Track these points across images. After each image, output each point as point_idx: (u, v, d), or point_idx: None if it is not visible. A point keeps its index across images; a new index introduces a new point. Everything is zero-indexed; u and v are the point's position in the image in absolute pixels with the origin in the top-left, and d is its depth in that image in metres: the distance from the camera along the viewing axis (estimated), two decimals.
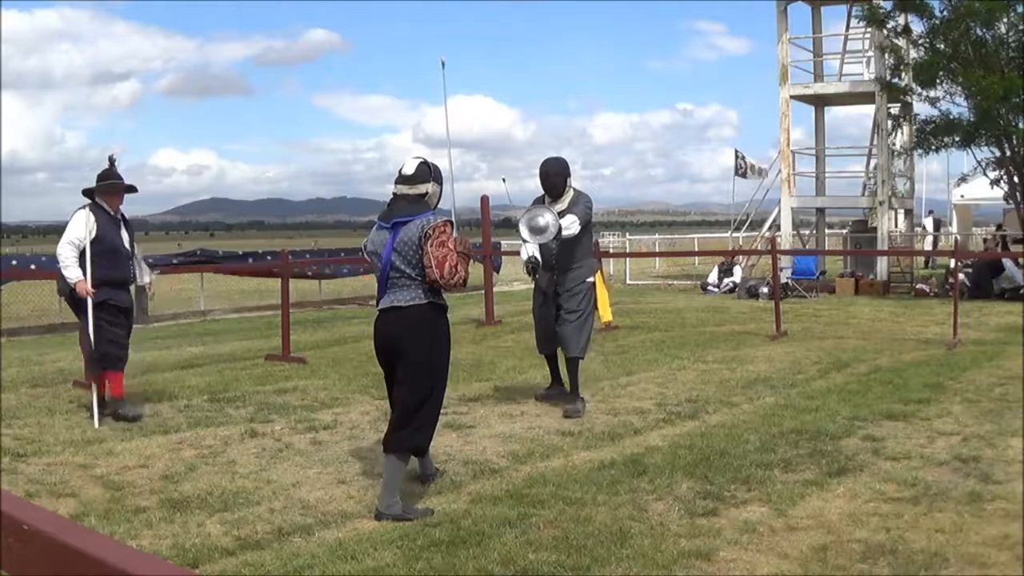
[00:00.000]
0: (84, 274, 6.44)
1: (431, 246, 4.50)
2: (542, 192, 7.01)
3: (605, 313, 7.43)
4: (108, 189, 6.69)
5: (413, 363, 4.58)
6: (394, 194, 4.76)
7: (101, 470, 5.36)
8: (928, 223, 28.42)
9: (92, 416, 6.49)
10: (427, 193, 4.73)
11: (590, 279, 7.00)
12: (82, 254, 6.46)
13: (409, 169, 4.75)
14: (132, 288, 7.00)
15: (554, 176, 6.88)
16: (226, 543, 4.11)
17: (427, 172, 4.75)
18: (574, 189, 6.96)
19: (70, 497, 4.84)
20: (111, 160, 6.77)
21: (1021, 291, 15.87)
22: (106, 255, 6.55)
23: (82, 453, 5.73)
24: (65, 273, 6.48)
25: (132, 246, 6.88)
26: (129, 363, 7.16)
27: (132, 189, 6.88)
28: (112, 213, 6.71)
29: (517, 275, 23.40)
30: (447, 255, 4.51)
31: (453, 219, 4.71)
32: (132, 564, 1.03)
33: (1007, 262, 16.81)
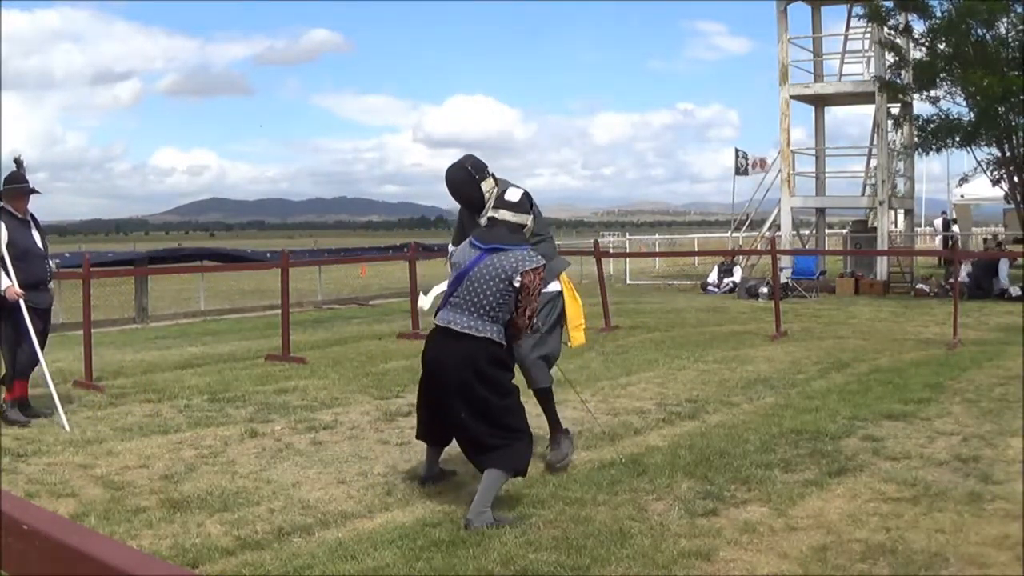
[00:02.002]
0: (9, 278, 6.43)
1: (523, 293, 4.44)
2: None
3: (576, 335, 5.42)
4: (15, 193, 6.67)
5: (460, 392, 4.44)
6: (493, 218, 4.71)
7: (101, 470, 5.35)
8: (938, 223, 28.42)
9: (62, 420, 6.46)
10: (526, 225, 4.74)
11: (552, 287, 5.25)
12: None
13: (514, 196, 4.73)
14: (51, 287, 7.05)
15: (459, 187, 5.18)
16: (226, 543, 4.11)
17: (528, 204, 4.76)
18: (496, 183, 5.16)
19: (70, 497, 4.83)
20: (18, 162, 6.78)
21: (1006, 294, 15.88)
22: (20, 257, 6.53)
23: (82, 453, 5.73)
24: None
25: (45, 246, 6.90)
26: (130, 363, 7.16)
27: (36, 191, 6.88)
28: (20, 216, 6.69)
29: None
30: (531, 305, 4.52)
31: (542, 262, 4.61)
32: (132, 564, 1.03)
33: (1002, 267, 16.82)
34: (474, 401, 4.41)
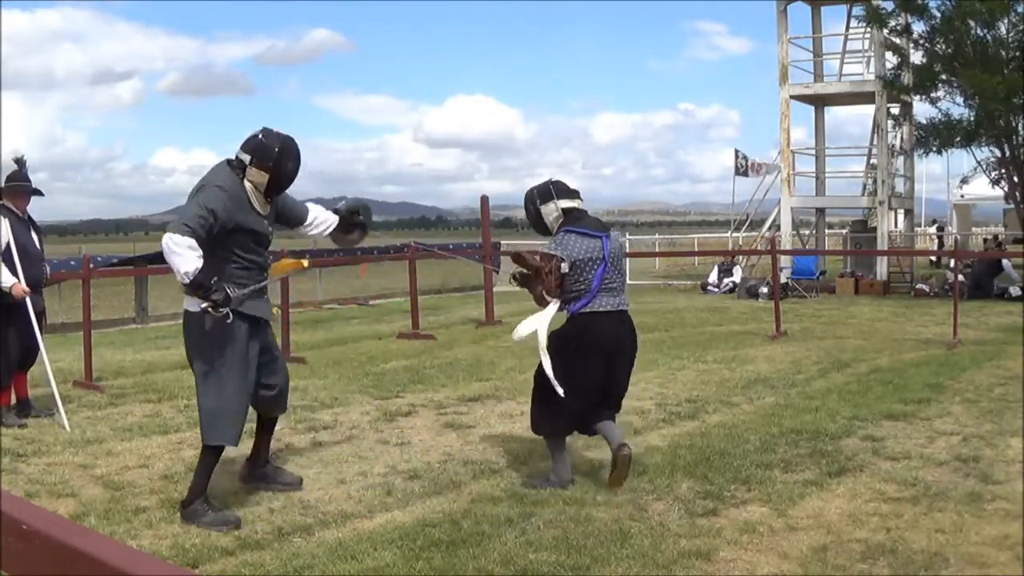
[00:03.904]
0: (16, 275, 6.43)
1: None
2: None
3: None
4: (17, 191, 6.65)
5: (631, 360, 5.19)
6: (572, 208, 5.06)
7: (101, 470, 5.36)
8: (931, 231, 28.55)
9: (63, 420, 6.46)
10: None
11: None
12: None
13: (574, 187, 5.14)
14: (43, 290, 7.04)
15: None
16: (226, 543, 4.11)
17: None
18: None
19: (70, 497, 4.84)
20: (20, 161, 6.77)
21: (1005, 294, 15.88)
22: (19, 257, 6.52)
23: (82, 453, 5.73)
24: None
25: (42, 247, 6.89)
26: (130, 363, 7.17)
27: (39, 192, 6.88)
28: (20, 215, 6.69)
29: None
30: None
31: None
32: (132, 564, 1.03)
33: (1005, 262, 16.83)
34: (623, 371, 5.15)
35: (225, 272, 4.37)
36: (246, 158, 4.45)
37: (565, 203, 5.06)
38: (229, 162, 4.53)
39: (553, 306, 4.94)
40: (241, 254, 4.47)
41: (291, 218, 4.88)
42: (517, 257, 5.30)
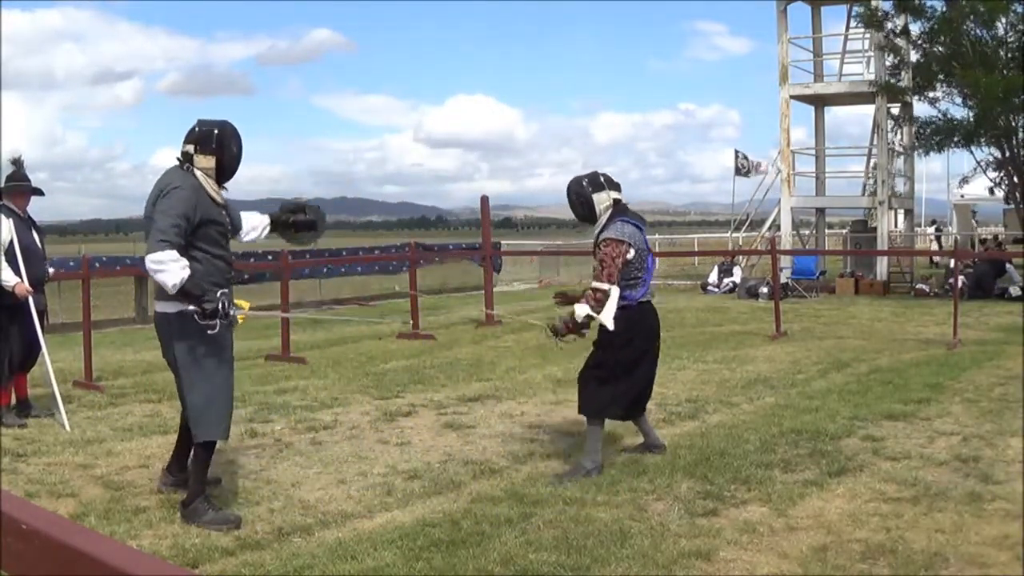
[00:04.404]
0: (18, 275, 6.43)
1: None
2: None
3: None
4: (17, 191, 6.67)
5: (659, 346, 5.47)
6: (619, 199, 5.27)
7: (101, 470, 5.36)
8: (930, 230, 28.58)
9: (63, 420, 6.46)
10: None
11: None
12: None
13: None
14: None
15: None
16: (226, 543, 4.11)
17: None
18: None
19: (70, 497, 4.84)
20: (19, 162, 6.79)
21: (1005, 294, 15.88)
22: (21, 256, 6.52)
23: (82, 453, 5.73)
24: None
25: (43, 246, 6.91)
26: (130, 363, 7.16)
27: (39, 192, 6.89)
28: (21, 215, 6.70)
29: (517, 275, 23.40)
30: None
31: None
32: (132, 564, 1.03)
33: (1009, 265, 16.82)
34: (655, 356, 5.46)
35: (197, 271, 4.33)
36: (191, 148, 4.47)
37: (615, 194, 5.26)
38: (178, 163, 4.52)
39: (615, 292, 5.05)
40: (208, 249, 4.41)
41: (234, 225, 4.82)
42: (562, 297, 5.57)
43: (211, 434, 4.50)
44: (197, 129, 4.51)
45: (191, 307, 4.30)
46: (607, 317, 5.00)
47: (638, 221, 5.26)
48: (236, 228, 4.84)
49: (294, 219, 5.02)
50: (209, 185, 4.46)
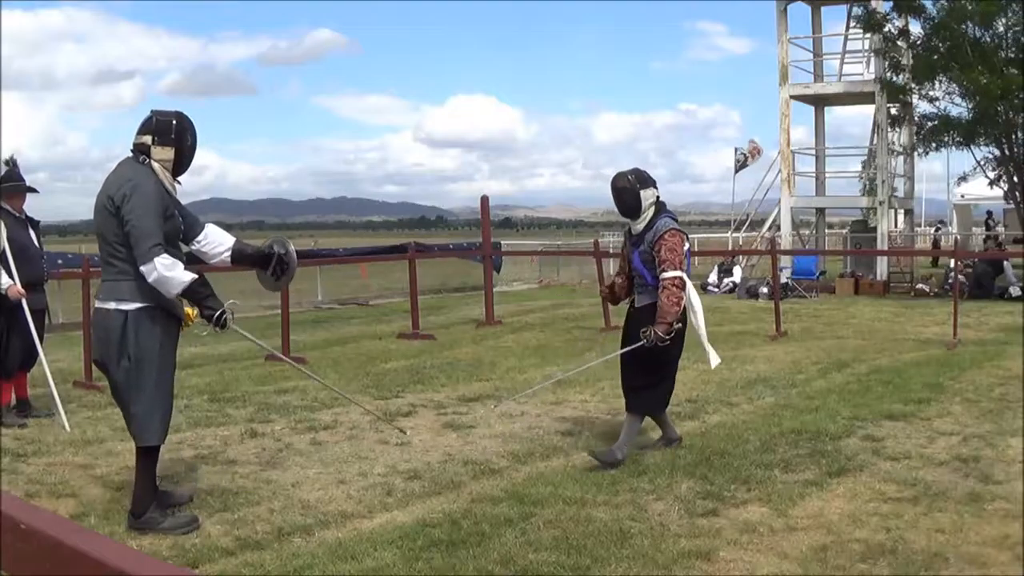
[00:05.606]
0: (12, 278, 6.43)
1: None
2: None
3: None
4: (12, 191, 6.69)
5: None
6: (659, 196, 5.50)
7: (101, 470, 5.36)
8: (929, 230, 28.57)
9: (63, 420, 6.45)
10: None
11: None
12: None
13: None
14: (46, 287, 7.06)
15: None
16: (226, 543, 4.11)
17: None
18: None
19: (70, 497, 4.84)
20: (12, 162, 6.82)
21: (1005, 294, 15.88)
22: (17, 256, 6.53)
23: (82, 453, 5.73)
24: None
25: (41, 245, 6.93)
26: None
27: (33, 190, 6.92)
28: (17, 215, 6.71)
29: (517, 275, 23.41)
30: None
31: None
32: (132, 564, 1.03)
33: (1006, 263, 16.82)
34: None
35: None
36: (147, 139, 4.29)
37: (658, 191, 5.51)
38: (132, 156, 4.33)
39: (690, 282, 5.38)
40: (166, 247, 4.19)
41: (187, 228, 4.51)
42: (666, 327, 5.44)
43: (156, 438, 4.35)
44: (154, 120, 4.33)
45: (201, 307, 4.25)
46: (693, 303, 5.43)
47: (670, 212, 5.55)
48: (191, 233, 4.53)
49: (271, 251, 4.68)
50: (166, 178, 4.30)
